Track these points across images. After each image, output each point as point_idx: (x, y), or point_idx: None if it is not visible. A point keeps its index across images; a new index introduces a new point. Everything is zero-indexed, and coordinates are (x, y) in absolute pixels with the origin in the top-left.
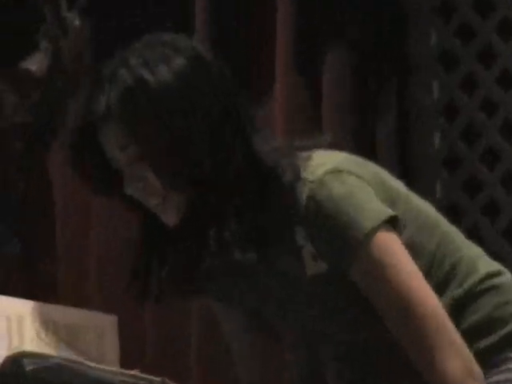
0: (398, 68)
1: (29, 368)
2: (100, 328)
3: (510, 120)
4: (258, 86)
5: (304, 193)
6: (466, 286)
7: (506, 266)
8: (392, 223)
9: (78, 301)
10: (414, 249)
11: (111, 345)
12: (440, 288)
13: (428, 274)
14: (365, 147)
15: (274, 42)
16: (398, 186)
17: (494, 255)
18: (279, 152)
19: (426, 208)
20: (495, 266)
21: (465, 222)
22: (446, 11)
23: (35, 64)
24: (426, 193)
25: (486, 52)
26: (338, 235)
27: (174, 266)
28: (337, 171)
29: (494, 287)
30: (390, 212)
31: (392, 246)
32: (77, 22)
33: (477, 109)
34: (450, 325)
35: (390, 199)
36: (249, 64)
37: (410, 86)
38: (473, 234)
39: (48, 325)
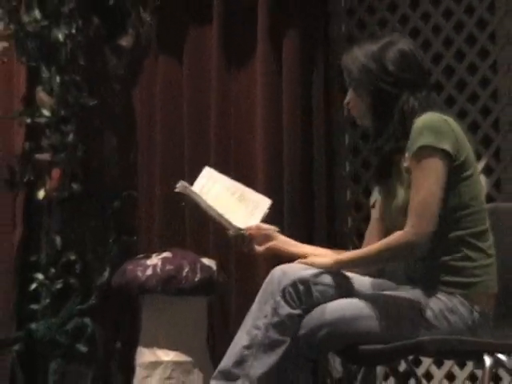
0: None
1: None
2: (255, 202)
3: None
4: None
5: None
6: (466, 236)
7: None
8: (447, 156)
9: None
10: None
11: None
12: (454, 219)
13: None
14: None
15: None
16: (470, 151)
17: None
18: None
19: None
20: (490, 240)
21: None
22: None
23: (125, 42)
24: None
25: None
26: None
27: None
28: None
29: (479, 250)
30: (446, 147)
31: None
32: (147, 18)
33: None
34: (432, 215)
35: (458, 150)
36: None
37: None
38: None
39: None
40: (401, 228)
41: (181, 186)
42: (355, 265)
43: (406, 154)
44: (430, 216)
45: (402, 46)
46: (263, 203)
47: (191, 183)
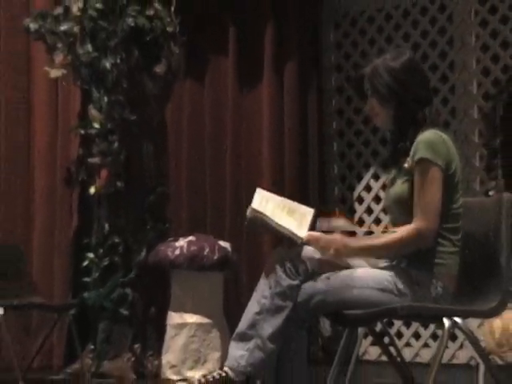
0: None
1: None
2: (302, 213)
3: None
4: None
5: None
6: (441, 229)
7: None
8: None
9: None
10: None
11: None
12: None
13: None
14: None
15: None
16: (458, 162)
17: None
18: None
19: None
20: (459, 235)
21: None
22: None
23: (159, 69)
24: None
25: None
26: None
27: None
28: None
29: (449, 241)
30: (440, 163)
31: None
32: (177, 51)
33: None
34: (436, 215)
35: (449, 163)
36: None
37: None
38: None
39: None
40: (392, 212)
41: (251, 210)
42: (365, 254)
43: (408, 158)
44: (434, 215)
45: (420, 68)
46: (308, 213)
47: (213, 184)
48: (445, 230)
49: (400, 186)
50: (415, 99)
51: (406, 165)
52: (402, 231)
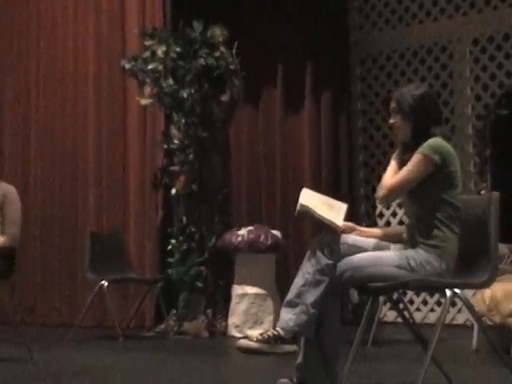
0: None
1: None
2: (338, 207)
3: None
4: None
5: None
6: (444, 218)
7: None
8: (434, 165)
9: None
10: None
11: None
12: (436, 208)
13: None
14: None
15: None
16: (458, 168)
17: None
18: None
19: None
20: (458, 224)
21: None
22: None
23: (224, 98)
24: None
25: None
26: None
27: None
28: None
29: (450, 229)
30: (435, 158)
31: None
32: (237, 83)
33: None
34: (399, 187)
35: (447, 162)
36: None
37: None
38: None
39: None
40: (405, 205)
41: (299, 205)
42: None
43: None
44: (399, 186)
45: (434, 97)
46: (342, 208)
47: (266, 186)
48: (446, 218)
49: None
50: (429, 118)
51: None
52: (382, 190)
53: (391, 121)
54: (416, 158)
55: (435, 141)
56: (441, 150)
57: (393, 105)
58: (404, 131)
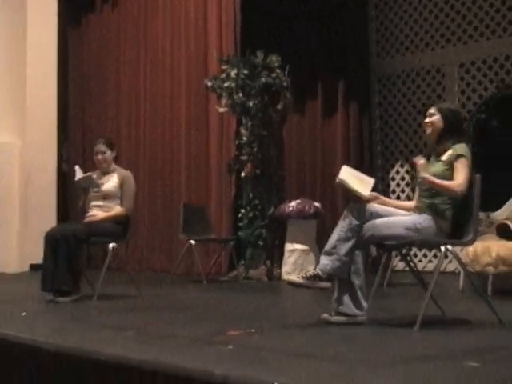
0: None
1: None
2: (367, 181)
3: None
4: None
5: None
6: (448, 198)
7: None
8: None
9: None
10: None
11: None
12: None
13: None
14: None
15: None
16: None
17: None
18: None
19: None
20: (457, 203)
21: None
22: None
23: (279, 106)
24: None
25: None
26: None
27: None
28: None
29: (450, 205)
30: (468, 158)
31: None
32: (289, 96)
33: None
34: (466, 183)
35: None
36: None
37: None
38: None
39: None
40: (422, 185)
41: (338, 178)
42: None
43: (447, 154)
44: (466, 183)
45: (461, 113)
46: (370, 182)
47: (309, 170)
48: (449, 198)
49: (438, 168)
50: (455, 125)
51: (444, 158)
52: (453, 184)
53: (426, 120)
54: (465, 161)
55: (466, 146)
56: (469, 152)
57: (431, 111)
58: (434, 130)
